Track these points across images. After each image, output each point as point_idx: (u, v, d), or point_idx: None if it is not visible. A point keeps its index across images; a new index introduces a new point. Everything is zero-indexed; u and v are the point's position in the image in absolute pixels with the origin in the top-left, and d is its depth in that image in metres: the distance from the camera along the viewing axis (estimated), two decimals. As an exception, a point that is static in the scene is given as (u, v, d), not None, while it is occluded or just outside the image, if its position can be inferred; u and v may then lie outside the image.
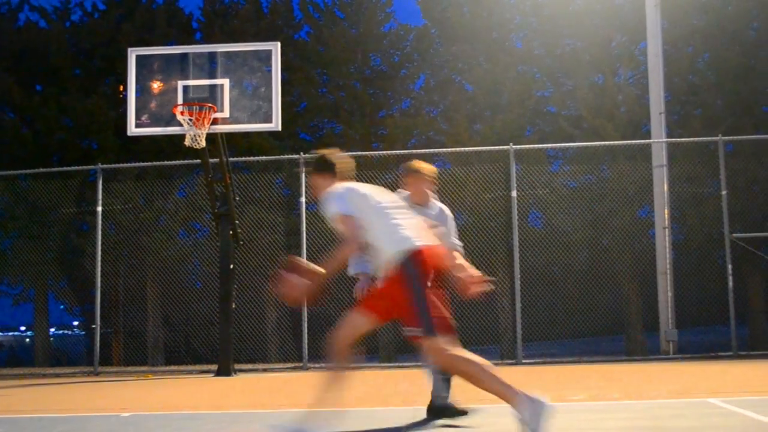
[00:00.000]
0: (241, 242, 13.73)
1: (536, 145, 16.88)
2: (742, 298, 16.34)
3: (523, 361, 13.95)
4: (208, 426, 6.42)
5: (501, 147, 15.32)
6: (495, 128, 18.48)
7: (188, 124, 12.20)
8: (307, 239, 14.40)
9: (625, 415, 6.33)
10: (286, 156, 16.46)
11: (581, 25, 18.92)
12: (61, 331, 33.31)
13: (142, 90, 12.77)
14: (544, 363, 13.96)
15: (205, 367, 14.59)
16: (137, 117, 12.70)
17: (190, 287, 17.14)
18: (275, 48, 12.82)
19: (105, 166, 15.49)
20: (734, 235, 14.42)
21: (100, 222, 14.88)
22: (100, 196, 14.96)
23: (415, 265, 4.98)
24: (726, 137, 15.10)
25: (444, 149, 17.63)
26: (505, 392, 4.68)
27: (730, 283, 14.07)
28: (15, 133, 19.83)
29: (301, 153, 15.07)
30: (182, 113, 12.23)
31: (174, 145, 15.52)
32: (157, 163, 16.06)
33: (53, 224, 18.05)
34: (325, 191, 5.37)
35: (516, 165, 14.70)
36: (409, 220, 5.27)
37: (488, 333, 16.71)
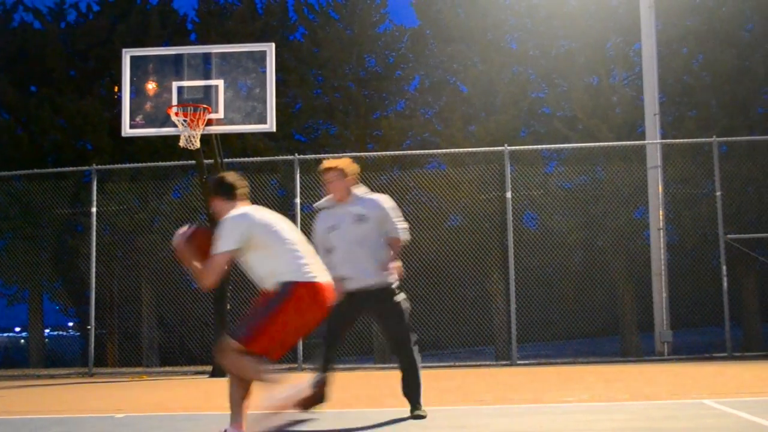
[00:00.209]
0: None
1: (531, 146, 16.89)
2: (736, 299, 16.37)
3: (518, 362, 13.95)
4: (202, 427, 6.42)
5: (496, 148, 15.33)
6: (490, 129, 18.49)
7: (183, 125, 12.19)
8: (302, 240, 14.37)
9: (620, 416, 6.34)
10: (281, 157, 16.46)
11: (576, 27, 18.93)
12: (55, 332, 33.21)
13: (137, 91, 12.75)
14: (538, 364, 13.96)
15: (199, 368, 14.58)
16: (132, 118, 12.68)
17: (185, 288, 17.10)
18: (270, 49, 12.82)
19: (99, 167, 15.47)
20: (729, 236, 14.44)
21: (94, 223, 14.87)
22: (94, 197, 14.94)
23: (296, 294, 5.26)
24: (720, 138, 15.13)
25: (439, 150, 17.65)
26: (239, 412, 5.21)
27: (725, 284, 14.09)
28: (9, 134, 19.79)
29: (296, 154, 15.06)
30: (177, 114, 12.22)
31: (169, 146, 15.51)
32: (152, 164, 16.05)
33: (48, 225, 18.02)
34: (224, 214, 5.56)
35: (511, 166, 14.71)
36: (307, 251, 5.50)
37: (483, 334, 16.71)
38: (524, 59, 19.98)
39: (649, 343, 15.41)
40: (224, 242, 5.33)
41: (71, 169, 16.71)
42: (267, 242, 5.40)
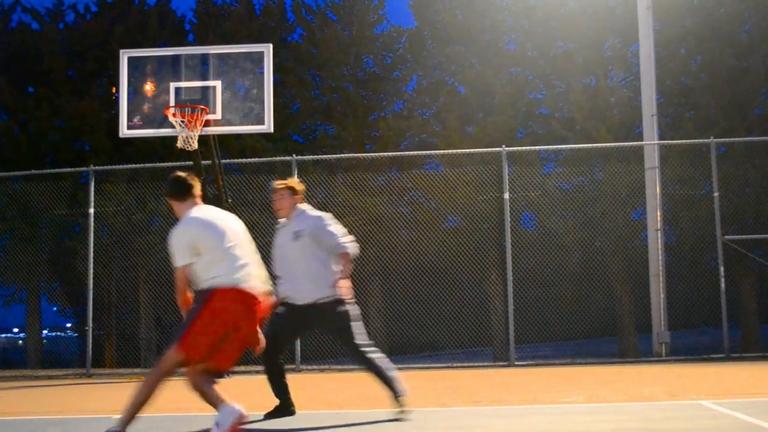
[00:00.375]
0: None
1: (529, 147, 16.91)
2: (734, 300, 16.37)
3: (516, 363, 13.95)
4: (199, 428, 6.41)
5: (493, 149, 15.34)
6: (487, 130, 18.50)
7: (180, 125, 12.18)
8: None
9: (617, 416, 6.34)
10: (278, 158, 16.45)
11: (574, 28, 18.94)
12: (53, 333, 33.18)
13: (134, 92, 12.73)
14: (536, 365, 13.96)
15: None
16: (129, 119, 12.66)
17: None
18: (267, 50, 12.80)
19: (97, 167, 15.45)
20: (726, 237, 14.45)
21: (92, 224, 14.85)
22: (92, 198, 14.93)
23: (212, 302, 5.40)
24: (718, 139, 15.14)
25: (436, 151, 17.66)
26: (218, 400, 5.33)
27: (722, 285, 14.10)
28: (7, 135, 19.78)
29: (294, 155, 15.06)
30: (174, 115, 12.21)
31: (166, 146, 15.49)
32: (150, 164, 16.03)
33: (45, 226, 18.01)
34: (180, 215, 5.75)
35: (508, 167, 14.71)
36: (245, 253, 5.65)
37: (481, 335, 16.71)
38: (522, 60, 19.99)
39: (647, 344, 15.41)
40: (178, 257, 5.51)
41: (69, 170, 16.67)
42: (209, 247, 5.52)
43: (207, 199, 13.26)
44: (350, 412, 7.32)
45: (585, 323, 16.65)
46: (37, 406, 8.92)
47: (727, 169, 15.87)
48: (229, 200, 13.40)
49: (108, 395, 10.27)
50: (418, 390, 9.51)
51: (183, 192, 5.86)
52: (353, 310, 6.73)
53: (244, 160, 16.40)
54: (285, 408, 6.88)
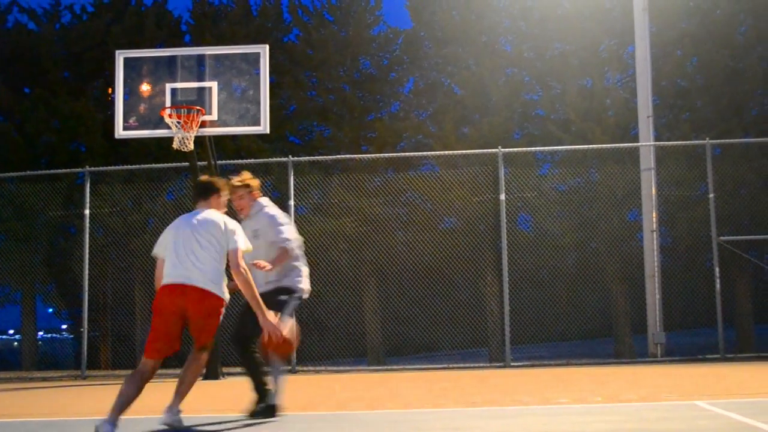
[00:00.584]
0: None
1: (525, 149, 16.92)
2: (729, 300, 16.39)
3: (512, 363, 13.97)
4: (194, 429, 6.40)
5: (489, 150, 15.36)
6: (483, 131, 18.50)
7: (176, 126, 12.18)
8: (296, 242, 14.38)
9: (612, 417, 6.34)
10: (274, 159, 16.45)
11: (570, 29, 18.96)
12: (48, 335, 33.16)
13: (131, 93, 12.73)
14: (532, 366, 13.98)
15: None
16: (125, 120, 12.66)
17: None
18: (264, 51, 12.80)
19: (93, 168, 15.45)
20: (722, 238, 14.48)
21: (87, 225, 14.85)
22: (87, 199, 14.92)
23: (154, 300, 6.04)
24: (713, 141, 15.18)
25: (432, 152, 17.67)
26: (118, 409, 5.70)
27: (718, 286, 14.13)
28: (3, 136, 19.74)
29: (290, 156, 15.06)
30: (170, 116, 12.21)
31: (162, 148, 15.48)
32: (146, 165, 16.02)
33: (41, 227, 17.99)
34: None
35: (504, 168, 14.73)
36: (180, 253, 6.04)
37: (477, 336, 16.73)
38: (518, 61, 20.00)
39: (643, 344, 15.44)
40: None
41: (65, 171, 16.66)
42: (163, 248, 6.19)
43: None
44: (346, 413, 7.31)
45: (581, 324, 16.68)
46: (31, 408, 8.90)
47: (723, 171, 15.89)
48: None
49: (103, 397, 10.25)
50: (414, 391, 9.51)
51: (199, 194, 6.47)
52: (294, 299, 6.81)
53: (240, 161, 16.36)
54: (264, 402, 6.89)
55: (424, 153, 18.06)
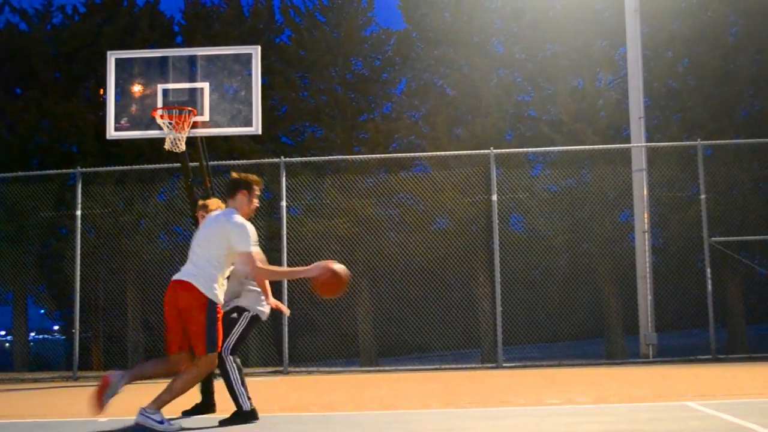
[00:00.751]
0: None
1: (517, 149, 16.94)
2: (721, 301, 16.44)
3: (504, 364, 13.98)
4: (189, 430, 6.40)
5: (481, 151, 15.38)
6: (475, 132, 18.51)
7: (168, 127, 12.15)
8: (287, 243, 14.39)
9: (604, 418, 6.36)
10: (266, 160, 16.43)
11: (562, 30, 18.99)
12: (40, 336, 33.09)
13: (122, 93, 12.70)
14: (524, 366, 14.00)
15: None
16: (117, 120, 12.62)
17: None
18: (255, 51, 12.78)
19: (84, 169, 15.41)
20: (713, 239, 14.52)
21: (79, 226, 14.81)
22: (79, 200, 14.89)
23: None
24: (705, 141, 15.21)
25: (424, 153, 17.68)
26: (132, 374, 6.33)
27: (709, 287, 14.17)
28: (-6, 137, 19.71)
29: (282, 157, 15.05)
30: (162, 117, 12.18)
31: (154, 148, 15.45)
32: (137, 166, 15.99)
33: (32, 228, 17.92)
34: None
35: (496, 169, 14.75)
36: (192, 253, 6.25)
37: (469, 336, 16.74)
38: (510, 62, 20.02)
39: (634, 345, 15.47)
40: None
41: (56, 171, 16.61)
42: None
43: (195, 201, 13.32)
44: (337, 414, 7.32)
45: (573, 325, 16.70)
46: (23, 409, 8.88)
47: (714, 172, 15.94)
48: (217, 202, 13.36)
49: (95, 398, 10.22)
50: (406, 392, 9.51)
51: (228, 191, 6.60)
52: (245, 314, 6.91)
53: (232, 162, 16.34)
54: (205, 406, 7.42)
55: (417, 154, 18.07)
